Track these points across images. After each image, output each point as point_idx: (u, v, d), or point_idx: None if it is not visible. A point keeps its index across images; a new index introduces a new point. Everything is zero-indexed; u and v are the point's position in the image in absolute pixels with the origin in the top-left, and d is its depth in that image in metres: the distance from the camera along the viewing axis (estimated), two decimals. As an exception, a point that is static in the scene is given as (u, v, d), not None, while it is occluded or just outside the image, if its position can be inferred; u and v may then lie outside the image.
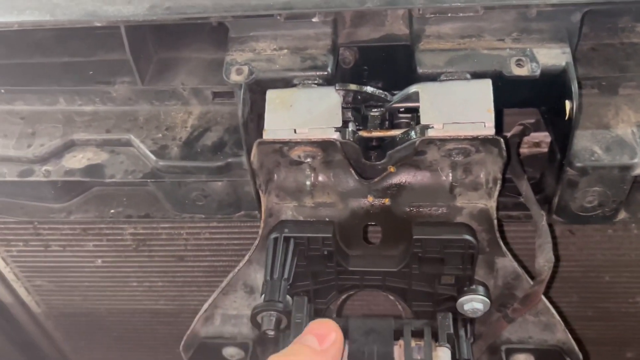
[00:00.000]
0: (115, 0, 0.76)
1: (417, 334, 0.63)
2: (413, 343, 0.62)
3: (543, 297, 0.80)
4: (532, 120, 0.83)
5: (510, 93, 0.74)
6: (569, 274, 1.00)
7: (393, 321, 0.63)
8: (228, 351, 0.89)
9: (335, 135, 0.69)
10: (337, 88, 0.70)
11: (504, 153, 0.67)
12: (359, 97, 0.72)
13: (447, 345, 0.62)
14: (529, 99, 0.76)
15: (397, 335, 0.63)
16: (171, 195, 0.83)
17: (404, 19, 0.76)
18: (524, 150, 0.90)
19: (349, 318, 0.70)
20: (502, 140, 0.66)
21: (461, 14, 0.72)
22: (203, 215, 0.86)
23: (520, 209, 0.82)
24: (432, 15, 0.73)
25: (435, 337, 0.63)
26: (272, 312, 0.70)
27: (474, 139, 0.66)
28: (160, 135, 0.82)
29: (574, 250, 0.95)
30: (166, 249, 1.01)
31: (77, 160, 0.82)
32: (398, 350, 0.62)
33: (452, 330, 0.62)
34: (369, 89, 0.71)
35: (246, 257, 0.81)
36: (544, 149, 0.88)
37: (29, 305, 1.16)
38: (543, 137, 0.89)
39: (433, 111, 0.69)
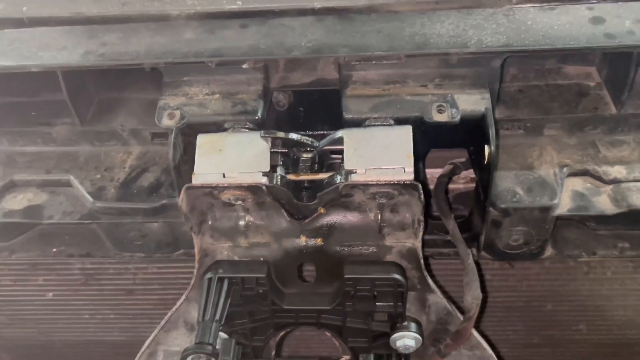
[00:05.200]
0: (50, 46, 0.77)
1: (340, 376, 0.64)
2: (335, 385, 0.64)
3: (475, 332, 0.82)
4: (463, 159, 0.85)
5: (436, 135, 0.76)
6: (511, 304, 1.02)
7: (317, 363, 0.65)
8: (171, 387, 0.90)
9: (263, 180, 0.71)
10: (262, 135, 0.71)
11: (422, 198, 0.69)
12: (288, 142, 0.74)
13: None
14: (455, 140, 0.79)
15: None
16: (111, 234, 0.84)
17: (335, 64, 0.79)
18: (460, 186, 0.92)
19: None
20: (420, 185, 0.68)
21: (385, 62, 0.74)
22: (142, 254, 0.87)
23: (451, 247, 0.84)
24: (358, 63, 0.75)
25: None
26: (201, 355, 0.71)
27: (394, 184, 0.69)
28: (99, 175, 0.83)
29: (513, 281, 0.97)
30: (115, 283, 1.02)
31: (17, 201, 0.83)
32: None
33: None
34: (294, 135, 0.73)
35: (183, 297, 0.82)
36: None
37: (-19, 338, 1.16)
38: (479, 173, 0.91)
39: (356, 157, 0.71)
